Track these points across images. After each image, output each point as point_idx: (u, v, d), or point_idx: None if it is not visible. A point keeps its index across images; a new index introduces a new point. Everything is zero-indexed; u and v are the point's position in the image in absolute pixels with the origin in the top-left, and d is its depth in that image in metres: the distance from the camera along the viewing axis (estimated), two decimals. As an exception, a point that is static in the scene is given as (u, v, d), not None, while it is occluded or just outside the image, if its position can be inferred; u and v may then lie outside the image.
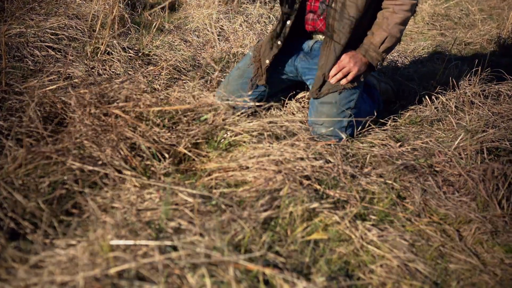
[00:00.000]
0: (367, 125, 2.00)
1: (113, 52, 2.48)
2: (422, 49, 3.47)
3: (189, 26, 3.37)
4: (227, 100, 1.90)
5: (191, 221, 1.23)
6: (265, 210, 1.33)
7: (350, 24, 1.91)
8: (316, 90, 1.97)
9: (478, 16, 4.77)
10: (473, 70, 2.46)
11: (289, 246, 1.26)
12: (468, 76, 2.46)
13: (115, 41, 2.59)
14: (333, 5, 1.90)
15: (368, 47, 1.96)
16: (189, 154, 1.56)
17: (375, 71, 2.13)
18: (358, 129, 1.98)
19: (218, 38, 3.19)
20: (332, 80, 1.95)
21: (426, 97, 2.33)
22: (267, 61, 2.04)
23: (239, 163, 1.53)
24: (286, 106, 2.19)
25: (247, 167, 1.52)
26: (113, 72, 2.33)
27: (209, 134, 1.65)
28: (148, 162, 1.50)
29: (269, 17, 3.69)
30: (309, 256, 1.23)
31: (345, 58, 1.95)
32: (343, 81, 1.95)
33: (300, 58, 2.08)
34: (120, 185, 1.40)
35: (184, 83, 2.29)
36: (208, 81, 2.36)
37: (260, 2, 3.78)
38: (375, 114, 2.09)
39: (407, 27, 4.26)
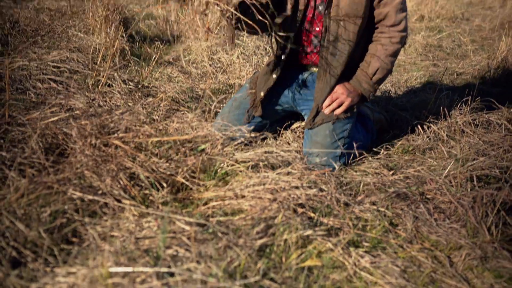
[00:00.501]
0: (360, 154, 2.05)
1: (113, 84, 2.55)
2: (415, 79, 3.55)
3: (187, 58, 3.46)
4: (224, 130, 1.96)
5: (188, 248, 1.26)
6: (261, 238, 1.37)
7: (343, 57, 1.98)
8: (311, 120, 2.03)
9: (470, 46, 4.89)
10: (464, 99, 2.52)
11: (283, 272, 1.29)
12: (459, 106, 2.53)
13: (115, 74, 2.66)
14: (326, 39, 1.98)
15: (361, 78, 2.03)
16: (187, 183, 1.61)
17: (368, 101, 2.19)
18: (352, 158, 2.03)
19: (216, 70, 3.27)
20: (326, 111, 2.01)
21: (419, 126, 2.39)
22: (262, 94, 2.10)
23: (235, 192, 1.57)
24: (281, 136, 2.25)
25: (243, 196, 1.56)
26: (113, 103, 2.39)
27: (207, 163, 1.70)
28: (147, 191, 1.54)
29: (266, 49, 3.79)
30: (303, 282, 1.26)
31: (338, 89, 2.02)
32: (337, 112, 2.01)
33: (295, 90, 2.15)
34: (119, 214, 1.44)
35: (183, 114, 2.35)
36: (206, 112, 2.42)
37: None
38: (369, 143, 2.15)
39: (401, 57, 4.37)
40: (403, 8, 1.99)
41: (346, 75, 2.05)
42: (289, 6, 1.96)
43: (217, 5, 1.66)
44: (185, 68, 3.26)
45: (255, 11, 1.61)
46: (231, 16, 1.70)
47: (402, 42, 2.03)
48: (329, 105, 2.01)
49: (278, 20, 1.82)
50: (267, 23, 1.65)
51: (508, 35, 4.22)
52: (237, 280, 1.17)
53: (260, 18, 1.62)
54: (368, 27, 2.03)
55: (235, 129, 1.95)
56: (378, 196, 1.68)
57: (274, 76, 2.08)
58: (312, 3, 1.99)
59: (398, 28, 2.00)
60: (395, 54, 2.03)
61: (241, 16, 1.65)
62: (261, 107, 2.13)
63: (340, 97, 2.00)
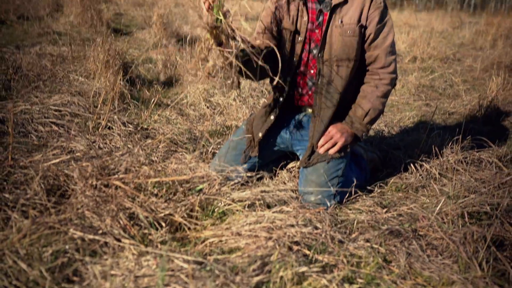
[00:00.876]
0: (354, 192, 2.10)
1: (113, 127, 2.62)
2: (408, 119, 3.64)
3: (185, 100, 3.55)
4: (222, 171, 2.02)
5: (187, 286, 1.29)
6: (257, 275, 1.40)
7: (336, 98, 2.06)
8: (306, 159, 2.09)
9: (461, 86, 5.02)
10: (455, 138, 2.59)
11: (280, 309, 1.31)
12: (450, 144, 2.59)
13: (115, 116, 2.74)
14: (320, 81, 2.06)
15: (354, 119, 2.11)
16: (185, 222, 1.65)
17: (361, 141, 2.26)
18: (346, 197, 2.08)
19: (213, 112, 3.35)
20: (321, 150, 2.08)
21: (411, 164, 2.45)
22: (260, 134, 2.17)
23: (232, 230, 1.61)
24: (277, 176, 2.30)
25: (240, 234, 1.60)
26: (113, 145, 2.45)
27: (204, 203, 1.75)
28: (146, 231, 1.58)
29: (262, 91, 3.89)
30: (299, 318, 1.28)
31: (332, 129, 2.09)
32: (331, 151, 2.07)
33: (291, 131, 2.22)
34: (119, 253, 1.47)
35: (181, 155, 2.41)
36: (204, 153, 2.48)
37: (253, 77, 3.99)
38: (363, 182, 2.20)
39: (394, 98, 4.48)
40: (392, 51, 2.08)
41: (339, 115, 2.13)
42: (287, 51, 2.06)
43: (220, 51, 1.72)
44: (183, 111, 3.34)
45: (255, 58, 1.67)
46: (232, 63, 1.75)
47: (392, 83, 2.12)
48: (324, 144, 2.08)
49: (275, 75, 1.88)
50: (267, 69, 1.71)
51: (499, 75, 4.34)
52: (234, 317, 1.19)
53: (261, 63, 1.68)
54: (360, 69, 2.12)
55: (232, 170, 2.01)
56: (371, 233, 1.72)
57: (272, 117, 2.15)
58: (307, 47, 2.09)
59: (388, 70, 2.09)
60: (385, 95, 2.11)
61: (242, 67, 1.71)
62: (258, 148, 2.20)
63: (334, 137, 2.07)
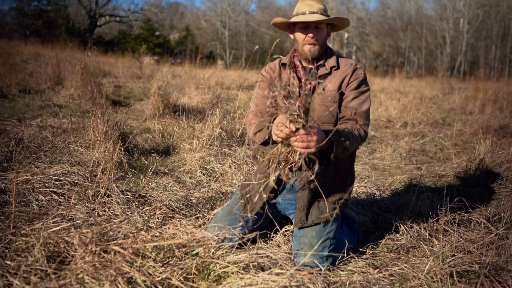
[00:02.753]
0: (347, 254, 2.15)
1: (112, 195, 2.70)
2: (399, 183, 3.74)
3: (182, 168, 3.65)
4: (217, 235, 2.08)
5: None
6: (252, 336, 1.44)
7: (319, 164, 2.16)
8: (298, 222, 2.16)
9: (452, 150, 5.16)
10: (444, 200, 2.68)
11: None
12: (439, 206, 2.68)
13: (114, 185, 2.82)
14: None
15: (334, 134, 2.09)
16: (182, 286, 1.69)
17: (354, 206, 2.34)
18: (339, 258, 2.13)
19: (209, 179, 3.45)
20: (295, 144, 1.92)
21: (402, 226, 2.51)
22: (265, 196, 2.17)
23: (227, 292, 1.66)
24: (272, 240, 2.35)
25: (235, 296, 1.65)
26: (112, 213, 2.52)
27: (200, 267, 1.80)
28: (144, 295, 1.62)
29: (256, 157, 4.00)
30: None
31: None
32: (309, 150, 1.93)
33: (283, 195, 2.30)
34: (118, 317, 1.51)
35: (178, 221, 2.47)
36: (200, 218, 2.55)
37: (248, 145, 4.12)
38: (355, 244, 2.26)
39: (386, 162, 4.61)
40: (367, 118, 2.22)
41: (325, 180, 2.21)
42: None
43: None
44: (180, 178, 3.44)
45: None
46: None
47: (363, 139, 2.20)
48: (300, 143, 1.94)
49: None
50: None
51: (487, 139, 4.49)
52: None
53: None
54: None
55: (227, 233, 2.07)
56: (364, 293, 1.77)
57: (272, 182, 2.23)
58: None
59: (363, 128, 2.19)
60: (359, 140, 2.16)
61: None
62: (252, 211, 2.27)
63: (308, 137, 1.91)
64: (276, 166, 1.91)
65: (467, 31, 37.54)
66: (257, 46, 3.05)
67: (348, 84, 2.21)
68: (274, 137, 1.91)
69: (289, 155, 1.89)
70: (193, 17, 46.59)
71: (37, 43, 18.93)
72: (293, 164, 1.90)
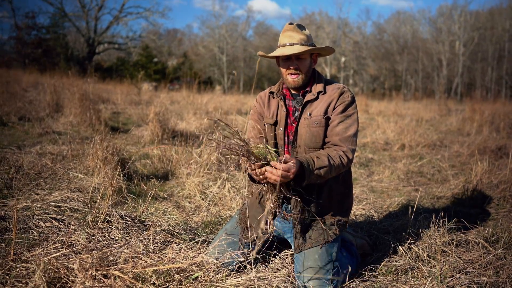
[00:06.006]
0: (349, 278, 2.17)
1: (111, 220, 2.71)
2: (397, 204, 3.76)
3: (181, 193, 3.67)
4: (216, 259, 2.09)
5: None
6: None
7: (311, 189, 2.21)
8: (297, 248, 2.18)
9: (449, 171, 5.19)
10: (442, 221, 2.69)
11: None
12: (437, 227, 2.69)
13: (113, 210, 2.84)
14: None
15: (309, 159, 2.08)
16: (181, 310, 1.70)
17: (351, 229, 2.36)
18: (341, 283, 2.14)
19: (208, 203, 3.47)
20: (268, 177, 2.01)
21: (400, 248, 2.53)
22: (270, 217, 2.19)
23: (227, 316, 1.66)
24: (271, 263, 2.36)
25: (235, 319, 1.65)
26: (112, 238, 2.53)
27: (200, 290, 1.81)
28: (144, 319, 1.63)
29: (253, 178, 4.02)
30: None
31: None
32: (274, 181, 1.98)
33: (281, 219, 2.32)
34: None
35: (177, 245, 2.48)
36: (199, 243, 2.56)
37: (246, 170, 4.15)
38: (355, 267, 2.27)
39: (384, 184, 4.63)
40: (354, 142, 2.21)
41: (319, 205, 2.23)
42: (272, 143, 2.26)
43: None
44: (179, 203, 3.45)
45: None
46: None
47: (346, 165, 2.18)
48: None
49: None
50: None
51: (484, 160, 4.53)
52: None
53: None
54: None
55: (227, 257, 2.08)
56: (363, 315, 1.77)
57: (271, 220, 2.26)
58: (285, 138, 2.29)
59: (348, 155, 2.19)
60: (339, 167, 2.15)
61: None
62: (251, 236, 2.28)
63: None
64: (267, 198, 2.09)
65: (463, 54, 37.99)
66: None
67: (334, 109, 2.25)
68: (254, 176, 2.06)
69: (271, 187, 2.06)
70: (191, 43, 47.09)
71: (36, 71, 19.08)
72: (279, 195, 2.07)
